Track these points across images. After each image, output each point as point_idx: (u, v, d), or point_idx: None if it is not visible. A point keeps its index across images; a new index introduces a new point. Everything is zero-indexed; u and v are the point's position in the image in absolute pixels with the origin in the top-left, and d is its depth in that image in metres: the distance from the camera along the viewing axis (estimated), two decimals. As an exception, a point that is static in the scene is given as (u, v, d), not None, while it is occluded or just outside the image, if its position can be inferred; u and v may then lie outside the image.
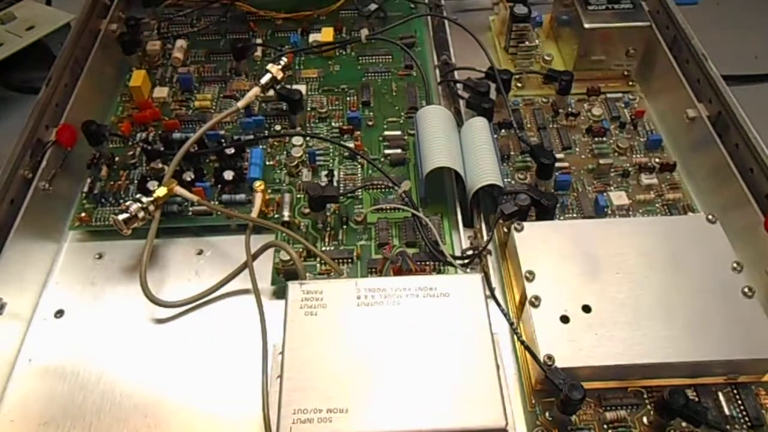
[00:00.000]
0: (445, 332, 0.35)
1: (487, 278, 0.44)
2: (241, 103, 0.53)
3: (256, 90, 0.53)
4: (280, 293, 0.45)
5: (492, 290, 0.44)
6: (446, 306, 0.36)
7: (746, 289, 0.41)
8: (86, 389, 0.41)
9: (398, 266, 0.42)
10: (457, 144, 0.50)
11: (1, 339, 0.42)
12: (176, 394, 0.41)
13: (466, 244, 0.48)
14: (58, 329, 0.44)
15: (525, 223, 0.44)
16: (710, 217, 0.45)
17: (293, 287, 0.37)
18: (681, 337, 0.38)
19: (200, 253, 0.48)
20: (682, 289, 0.41)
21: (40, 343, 0.43)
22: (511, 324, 0.41)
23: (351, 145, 0.54)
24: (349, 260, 0.46)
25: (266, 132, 0.56)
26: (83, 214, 0.49)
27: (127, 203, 0.46)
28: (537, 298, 0.40)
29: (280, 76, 0.54)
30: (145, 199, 0.46)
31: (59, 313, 0.45)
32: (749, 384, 0.40)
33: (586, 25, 0.56)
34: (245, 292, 0.45)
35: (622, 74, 0.60)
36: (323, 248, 0.47)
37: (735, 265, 0.42)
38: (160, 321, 0.44)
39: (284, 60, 0.54)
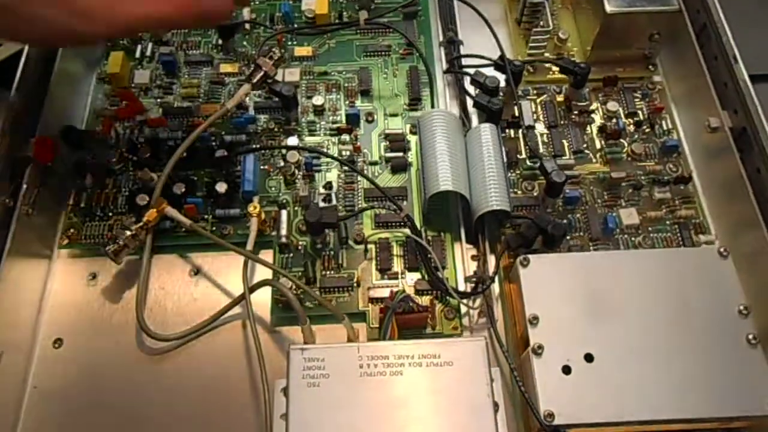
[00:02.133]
0: (448, 404, 0.35)
1: (489, 310, 0.44)
2: (230, 104, 0.48)
3: (246, 88, 0.49)
4: (280, 322, 0.45)
5: (494, 324, 0.44)
6: (449, 376, 0.36)
7: (751, 337, 0.40)
8: (92, 421, 0.42)
9: (401, 311, 0.41)
10: (463, 157, 0.47)
11: (5, 376, 0.42)
12: (178, 425, 0.42)
13: (469, 264, 0.46)
14: (59, 359, 0.44)
15: (531, 257, 0.43)
16: (722, 251, 0.43)
17: (295, 355, 0.37)
18: (681, 393, 0.39)
19: (197, 272, 0.47)
20: (686, 335, 0.40)
21: (44, 375, 0.43)
22: (513, 370, 0.41)
23: (350, 147, 0.51)
24: (350, 288, 0.45)
25: (258, 129, 0.52)
26: (71, 231, 0.48)
27: (116, 233, 0.44)
28: (540, 347, 0.40)
29: (272, 72, 0.49)
30: (134, 227, 0.44)
31: (58, 342, 0.45)
32: (742, 429, 0.41)
33: (609, 9, 0.51)
34: (244, 320, 0.45)
35: (643, 55, 0.55)
36: (323, 272, 0.46)
37: (742, 308, 0.41)
38: (159, 350, 0.44)
39: (276, 52, 0.49)
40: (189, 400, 0.43)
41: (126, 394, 0.43)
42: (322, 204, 0.48)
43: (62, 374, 0.43)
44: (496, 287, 0.46)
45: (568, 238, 0.47)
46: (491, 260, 0.46)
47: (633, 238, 0.47)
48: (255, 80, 0.49)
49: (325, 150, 0.51)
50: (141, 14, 0.38)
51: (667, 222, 0.48)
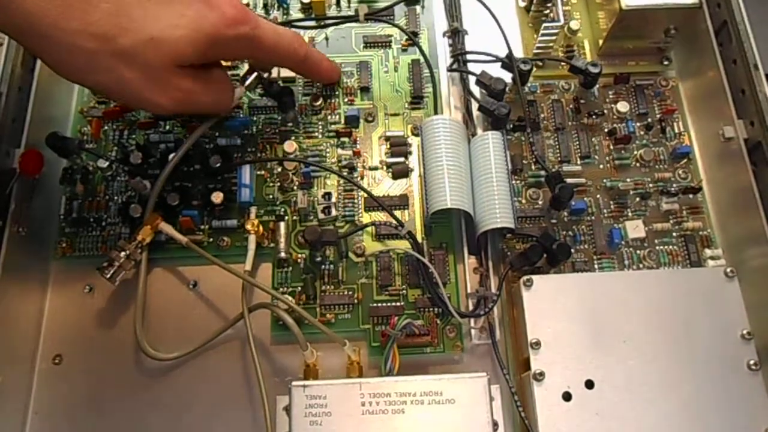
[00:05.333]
0: (449, 444, 0.36)
1: (491, 328, 0.44)
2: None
3: (240, 91, 0.46)
4: (280, 339, 0.45)
5: (496, 343, 0.44)
6: (451, 414, 0.36)
7: (752, 363, 0.40)
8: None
9: (402, 337, 0.41)
10: (467, 168, 0.46)
11: (6, 400, 0.42)
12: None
13: (471, 277, 0.46)
14: (60, 376, 0.44)
15: (534, 278, 0.42)
16: (729, 272, 0.43)
17: (296, 392, 0.37)
18: (680, 420, 0.39)
19: (195, 285, 0.46)
20: (687, 361, 0.40)
21: (45, 396, 0.43)
22: (514, 394, 0.41)
23: (349, 153, 0.49)
24: (350, 306, 0.45)
25: (255, 129, 0.50)
26: (65, 243, 0.46)
27: (111, 256, 0.43)
28: (542, 374, 0.40)
29: (266, 74, 0.47)
30: (128, 247, 0.43)
31: (58, 358, 0.44)
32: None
33: (625, 5, 0.47)
34: (244, 337, 0.44)
35: (657, 48, 0.52)
36: (322, 288, 0.45)
37: (746, 333, 0.41)
38: (159, 366, 0.44)
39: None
40: (190, 417, 0.43)
41: (126, 412, 0.43)
42: (321, 216, 0.47)
43: (63, 393, 0.43)
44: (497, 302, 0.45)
45: (572, 251, 0.46)
46: (493, 275, 0.45)
47: (638, 251, 0.47)
48: (248, 83, 0.46)
49: (323, 155, 0.49)
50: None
51: (674, 234, 0.47)
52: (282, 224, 0.46)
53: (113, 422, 0.43)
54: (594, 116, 0.50)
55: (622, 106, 0.50)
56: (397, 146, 0.49)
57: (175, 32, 0.36)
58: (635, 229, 0.47)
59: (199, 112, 0.45)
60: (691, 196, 0.48)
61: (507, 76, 0.49)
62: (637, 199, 0.48)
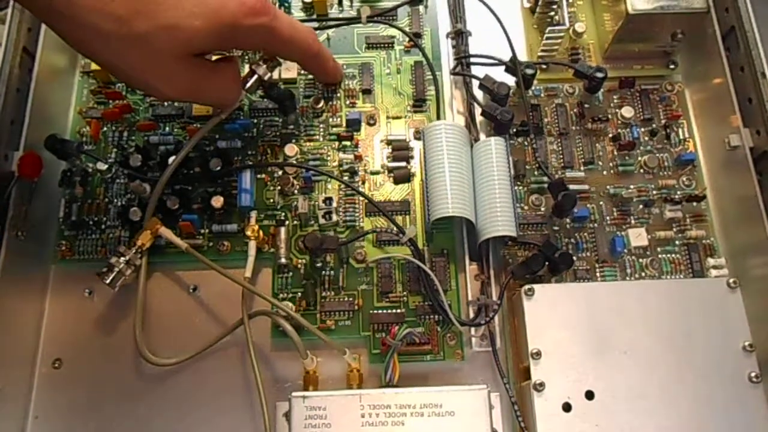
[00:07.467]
0: (449, 456, 0.36)
1: (492, 337, 0.44)
2: (223, 113, 0.46)
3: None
4: (280, 346, 0.44)
5: (496, 351, 0.43)
6: (450, 426, 0.36)
7: (753, 375, 0.40)
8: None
9: (403, 346, 0.41)
10: (470, 174, 0.45)
11: (7, 406, 0.42)
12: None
13: (472, 284, 0.46)
14: (59, 380, 0.44)
15: (536, 287, 0.42)
16: (732, 282, 0.42)
17: (296, 403, 0.37)
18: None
19: (195, 290, 0.46)
20: (688, 373, 0.40)
21: (44, 400, 0.44)
22: (514, 404, 0.41)
23: (351, 157, 0.49)
24: (350, 312, 0.45)
25: (255, 131, 0.50)
26: (64, 246, 0.46)
27: (111, 262, 0.42)
28: (542, 384, 0.40)
29: (267, 76, 0.46)
30: (128, 253, 0.43)
31: (57, 362, 0.44)
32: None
33: (632, 10, 0.47)
34: (243, 344, 0.44)
35: (664, 52, 0.52)
36: (323, 294, 0.45)
37: (747, 345, 0.41)
38: (159, 371, 0.44)
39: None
40: (189, 422, 0.43)
41: (126, 417, 0.43)
42: (322, 221, 0.46)
43: (62, 397, 0.43)
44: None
45: (574, 258, 0.46)
46: (494, 282, 0.45)
47: (640, 260, 0.46)
48: (248, 85, 0.45)
49: (324, 158, 0.49)
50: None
51: (677, 243, 0.47)
52: (282, 229, 0.46)
53: (112, 427, 0.43)
54: (598, 121, 0.50)
55: (627, 112, 0.50)
56: (399, 150, 0.49)
57: (192, 22, 0.36)
58: (638, 237, 0.46)
59: (201, 103, 0.48)
60: (694, 204, 0.47)
61: (510, 79, 0.49)
62: (641, 206, 0.48)
